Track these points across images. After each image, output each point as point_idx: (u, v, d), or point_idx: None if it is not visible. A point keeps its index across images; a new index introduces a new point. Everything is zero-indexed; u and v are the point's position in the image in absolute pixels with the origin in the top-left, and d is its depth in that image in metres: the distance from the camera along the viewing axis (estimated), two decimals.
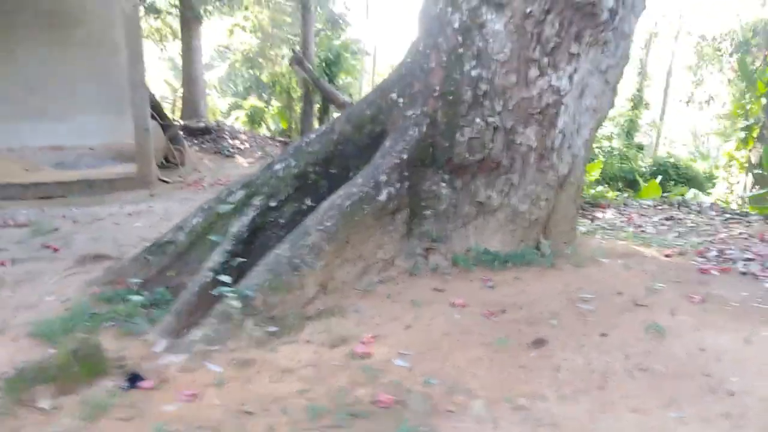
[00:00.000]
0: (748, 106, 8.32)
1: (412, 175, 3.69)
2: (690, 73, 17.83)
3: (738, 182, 8.54)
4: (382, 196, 3.47)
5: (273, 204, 3.68)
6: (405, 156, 3.59)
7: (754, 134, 8.05)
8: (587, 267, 3.91)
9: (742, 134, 8.44)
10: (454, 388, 2.30)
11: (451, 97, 3.66)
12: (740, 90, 8.18)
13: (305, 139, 3.87)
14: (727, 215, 5.80)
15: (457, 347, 2.66)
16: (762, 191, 7.26)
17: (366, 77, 32.22)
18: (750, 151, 8.24)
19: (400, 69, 3.84)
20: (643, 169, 16.99)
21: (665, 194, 8.47)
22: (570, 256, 4.08)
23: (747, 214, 5.78)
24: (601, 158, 11.67)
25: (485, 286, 3.53)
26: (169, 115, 11.72)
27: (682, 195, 8.69)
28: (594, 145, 18.65)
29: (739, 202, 7.29)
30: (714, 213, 5.92)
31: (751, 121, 8.22)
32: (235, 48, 25.95)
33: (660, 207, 6.32)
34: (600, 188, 9.76)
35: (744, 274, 3.79)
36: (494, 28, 3.56)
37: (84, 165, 7.93)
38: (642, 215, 5.83)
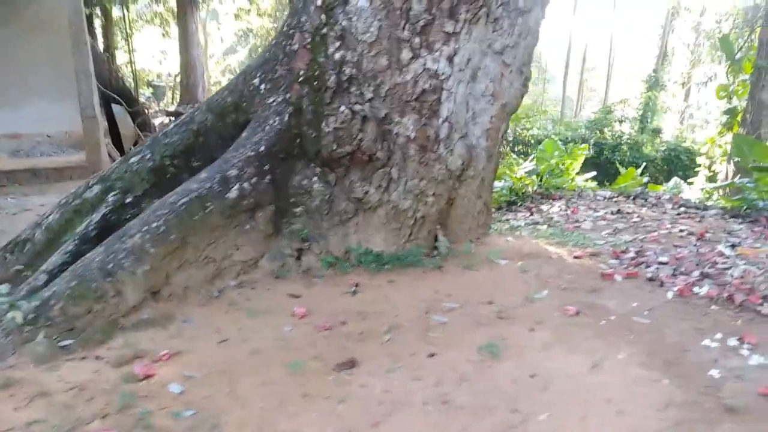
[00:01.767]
0: (732, 88, 7.61)
1: (276, 169, 3.37)
2: (688, 52, 16.81)
3: (720, 171, 7.85)
4: (233, 193, 3.17)
5: (129, 200, 3.42)
6: (263, 148, 3.28)
7: (739, 118, 7.35)
8: (477, 270, 3.55)
9: (725, 118, 7.74)
10: (204, 422, 2.00)
11: (316, 83, 3.31)
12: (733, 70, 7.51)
13: (164, 129, 3.58)
14: (683, 209, 5.29)
15: (255, 369, 2.36)
16: (726, 183, 6.65)
17: None
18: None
19: (265, 52, 3.51)
20: (654, 155, 16.19)
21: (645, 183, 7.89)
22: (465, 256, 3.72)
23: (707, 208, 5.26)
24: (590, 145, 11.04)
25: (349, 291, 3.21)
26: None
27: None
28: (607, 132, 17.88)
29: (720, 193, 6.71)
30: (670, 206, 5.41)
31: (735, 103, 7.52)
32: (256, 32, 25.80)
33: (615, 199, 5.82)
34: (581, 178, 9.24)
35: (650, 280, 3.36)
36: (358, 5, 3.19)
37: (39, 153, 7.84)
38: (590, 208, 5.37)
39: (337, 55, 3.24)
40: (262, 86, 3.39)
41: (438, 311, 2.95)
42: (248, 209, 3.27)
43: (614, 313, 2.91)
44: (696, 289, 3.16)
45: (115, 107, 8.93)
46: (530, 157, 10.05)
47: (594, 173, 10.56)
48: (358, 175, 3.47)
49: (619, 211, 5.19)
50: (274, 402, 2.11)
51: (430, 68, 3.29)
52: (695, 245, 3.99)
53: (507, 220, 5.00)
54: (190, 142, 3.45)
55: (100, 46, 15.94)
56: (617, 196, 5.90)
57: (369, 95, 3.30)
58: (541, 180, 6.57)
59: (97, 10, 15.13)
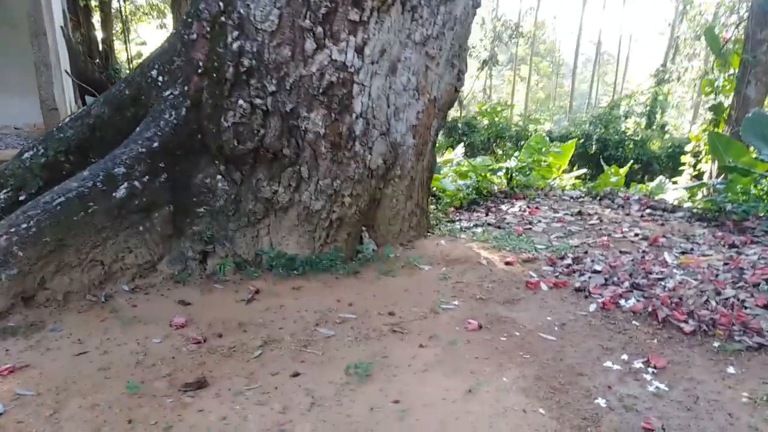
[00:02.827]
0: (718, 83, 7.17)
1: (175, 166, 3.15)
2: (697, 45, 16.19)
3: (706, 171, 7.41)
4: (120, 192, 2.96)
5: (23, 197, 3.22)
6: (156, 144, 3.06)
7: (725, 115, 6.93)
8: (395, 276, 3.30)
9: (710, 114, 7.30)
10: None
11: (215, 75, 3.08)
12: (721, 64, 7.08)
13: (60, 123, 3.38)
14: (650, 210, 4.96)
15: (95, 388, 2.15)
16: (697, 183, 6.26)
17: None
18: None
19: (165, 41, 3.28)
20: (659, 153, 15.70)
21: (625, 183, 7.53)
22: (387, 261, 3.47)
23: (675, 210, 4.92)
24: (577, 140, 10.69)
25: (245, 298, 2.98)
26: None
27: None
28: (616, 129, 17.38)
29: (704, 193, 6.33)
30: (637, 207, 5.09)
31: (720, 99, 7.08)
32: None
33: (582, 199, 5.51)
34: (570, 176, 8.91)
35: (577, 290, 3.08)
36: None
37: (5, 145, 7.71)
38: (551, 209, 5.07)
39: (235, 45, 3.01)
40: (160, 78, 3.16)
41: (329, 323, 2.71)
42: (141, 209, 3.05)
43: (521, 328, 2.65)
44: (622, 302, 2.88)
45: (89, 99, 8.80)
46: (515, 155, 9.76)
47: (584, 171, 10.22)
48: (265, 174, 3.24)
49: (579, 213, 4.89)
50: (89, 429, 1.89)
51: (336, 60, 3.04)
52: (643, 251, 3.70)
53: (459, 220, 4.73)
54: (86, 136, 3.24)
55: (99, 38, 15.87)
56: (584, 196, 5.59)
57: (272, 88, 3.06)
58: (510, 178, 6.27)
59: (93, 2, 15.05)
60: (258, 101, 3.05)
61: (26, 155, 3.24)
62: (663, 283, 3.03)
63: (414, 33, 3.23)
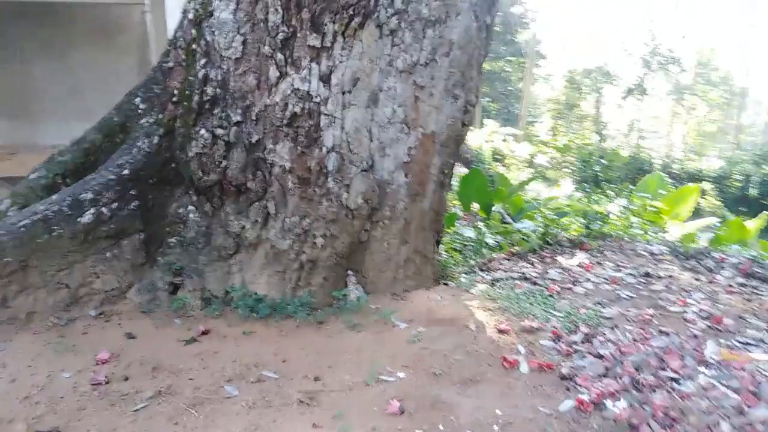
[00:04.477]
0: None
1: (148, 194, 3.12)
2: None
3: None
4: (86, 218, 2.97)
5: None
6: (126, 171, 3.04)
7: None
8: (359, 332, 2.93)
9: None
10: None
11: (186, 103, 3.00)
12: None
13: (63, 147, 3.52)
14: (744, 280, 3.93)
15: None
16: None
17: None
18: None
19: (151, 69, 3.28)
20: None
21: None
22: (360, 312, 3.11)
23: None
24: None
25: (182, 340, 2.81)
26: None
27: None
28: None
29: None
30: (729, 274, 4.07)
31: None
32: None
33: (660, 256, 4.57)
34: (694, 225, 7.63)
35: (563, 378, 2.45)
36: (220, 17, 2.83)
37: None
38: (615, 266, 4.26)
39: (201, 74, 2.90)
40: (141, 106, 3.17)
41: (243, 381, 2.43)
42: (109, 236, 3.05)
43: (450, 421, 2.14)
44: (608, 403, 2.22)
45: None
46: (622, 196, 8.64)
47: (711, 219, 8.71)
48: (233, 208, 3.07)
49: (646, 275, 4.04)
50: None
51: (299, 89, 2.79)
52: (690, 335, 2.89)
53: (494, 270, 4.16)
54: (81, 161, 3.34)
55: None
56: (667, 253, 4.65)
57: (237, 118, 2.90)
58: (588, 224, 5.47)
59: None
60: (220, 131, 2.90)
61: (32, 176, 3.43)
62: (675, 385, 2.29)
63: (396, 60, 2.88)
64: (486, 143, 26.69)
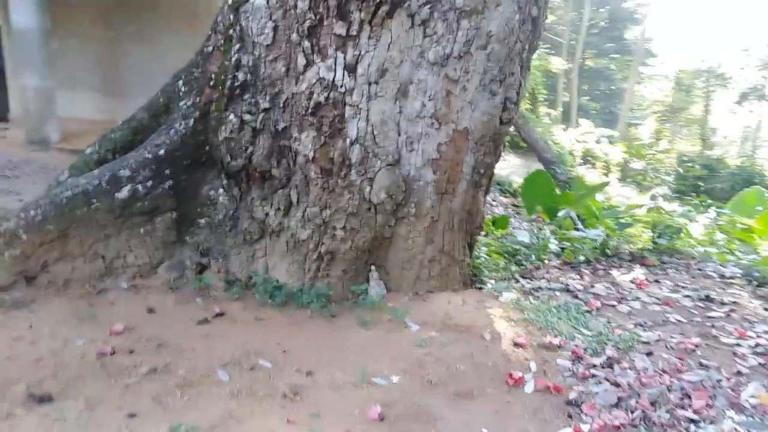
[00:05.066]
0: None
1: (181, 175, 3.22)
2: None
3: None
4: (123, 193, 3.11)
5: None
6: (162, 151, 3.15)
7: None
8: (369, 329, 2.88)
9: None
10: None
11: (221, 87, 3.05)
12: None
13: (116, 125, 3.69)
14: None
15: None
16: None
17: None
18: None
19: (195, 54, 3.36)
20: None
21: None
22: (375, 309, 3.03)
23: None
24: None
25: (196, 319, 2.88)
26: None
27: None
28: None
29: None
30: None
31: None
32: None
33: (731, 280, 4.09)
34: None
35: (568, 403, 2.25)
36: (255, 3, 2.84)
37: None
38: (674, 286, 3.87)
39: (234, 59, 2.93)
40: (183, 88, 3.26)
41: (237, 366, 2.44)
42: (143, 212, 3.18)
43: None
44: None
45: None
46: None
47: None
48: (258, 194, 3.10)
49: (707, 298, 3.65)
50: None
51: (324, 78, 2.75)
52: (722, 373, 2.56)
53: (537, 278, 3.93)
54: (129, 138, 3.50)
55: None
56: (740, 277, 4.18)
57: (265, 104, 2.91)
58: (657, 237, 5.04)
59: None
60: (247, 117, 2.92)
61: (88, 150, 3.65)
62: (692, 427, 2.02)
63: (427, 52, 2.75)
64: (578, 143, 25.48)
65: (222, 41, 3.05)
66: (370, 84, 2.76)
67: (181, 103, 3.20)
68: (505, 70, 2.92)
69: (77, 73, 9.11)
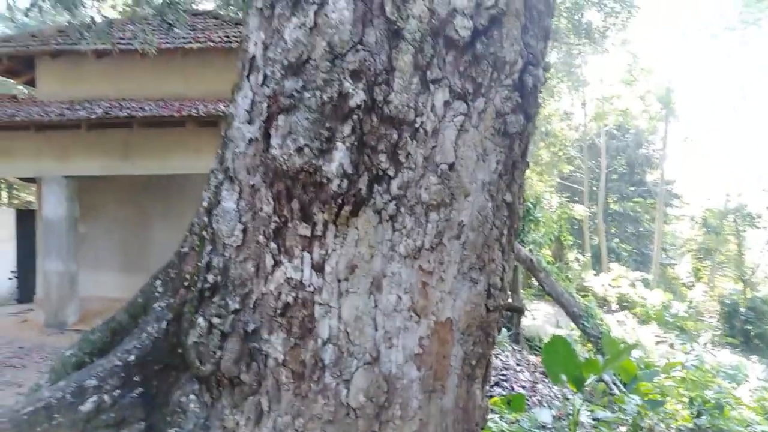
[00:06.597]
0: None
1: (152, 381, 3.03)
2: None
3: None
4: (87, 406, 2.92)
5: None
6: (132, 357, 3.01)
7: None
8: None
9: None
10: None
11: (193, 289, 2.98)
12: None
13: (96, 326, 3.61)
14: None
15: None
16: None
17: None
18: None
19: (174, 254, 3.35)
20: None
21: None
22: None
23: None
24: None
25: None
26: None
27: None
28: None
29: None
30: None
31: None
32: None
33: None
34: None
35: None
36: (225, 206, 2.86)
37: None
38: None
39: (205, 261, 2.89)
40: (160, 289, 3.20)
41: None
42: (108, 425, 2.94)
43: None
44: None
45: None
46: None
47: None
48: (229, 401, 2.86)
49: None
50: None
51: (291, 278, 2.65)
52: None
53: None
54: (107, 340, 3.38)
55: None
56: None
57: (235, 305, 2.79)
58: (696, 417, 4.48)
59: None
60: (216, 320, 2.79)
61: (66, 353, 3.53)
62: None
63: (398, 245, 2.66)
64: (612, 288, 24.81)
65: (197, 242, 3.05)
66: (339, 281, 2.64)
67: (156, 305, 3.12)
68: (484, 257, 2.78)
69: (101, 253, 9.50)
